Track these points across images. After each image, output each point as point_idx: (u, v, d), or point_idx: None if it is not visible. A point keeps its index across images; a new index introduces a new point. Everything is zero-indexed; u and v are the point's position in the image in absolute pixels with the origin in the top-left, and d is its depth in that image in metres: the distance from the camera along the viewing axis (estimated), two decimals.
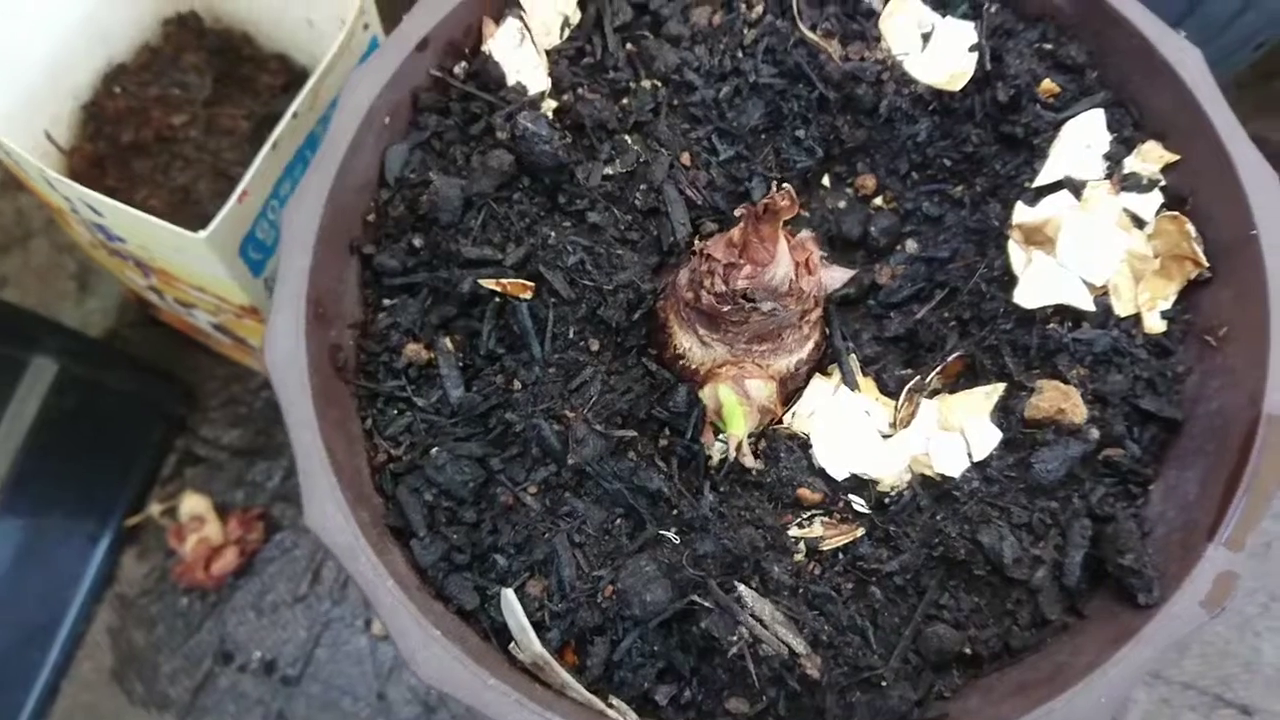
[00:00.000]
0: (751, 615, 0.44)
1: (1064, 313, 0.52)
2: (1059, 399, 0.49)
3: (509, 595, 0.45)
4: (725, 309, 0.47)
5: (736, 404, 0.47)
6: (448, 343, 0.51)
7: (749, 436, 0.48)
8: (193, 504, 0.80)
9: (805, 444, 0.51)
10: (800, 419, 0.52)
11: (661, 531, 0.47)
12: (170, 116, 0.72)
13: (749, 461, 0.46)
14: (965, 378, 0.53)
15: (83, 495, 0.80)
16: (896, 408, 0.52)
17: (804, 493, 0.50)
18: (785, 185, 0.44)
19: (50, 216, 0.93)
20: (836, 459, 0.51)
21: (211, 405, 0.85)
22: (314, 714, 0.78)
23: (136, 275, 0.71)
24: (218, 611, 0.80)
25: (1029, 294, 0.51)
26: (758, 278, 0.46)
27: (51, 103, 0.69)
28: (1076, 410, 0.49)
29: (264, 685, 0.78)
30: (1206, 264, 0.51)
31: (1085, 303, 0.51)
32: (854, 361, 0.53)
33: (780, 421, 0.52)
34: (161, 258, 0.63)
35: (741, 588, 0.45)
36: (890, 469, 0.50)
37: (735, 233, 0.47)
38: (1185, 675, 0.82)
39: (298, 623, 0.80)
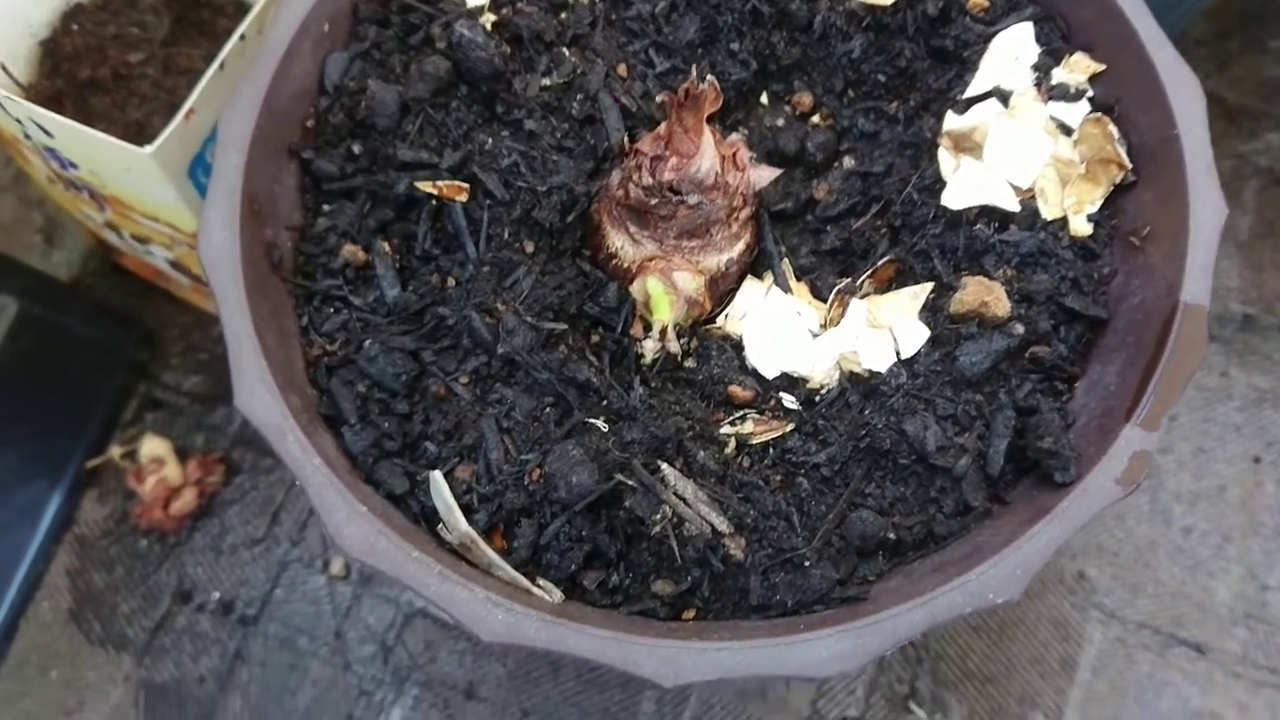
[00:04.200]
0: (674, 494, 0.45)
1: (991, 215, 0.53)
2: (982, 292, 0.50)
3: (436, 476, 0.46)
4: (653, 202, 0.48)
5: (663, 293, 0.48)
6: (385, 245, 0.52)
7: (676, 327, 0.49)
8: (152, 446, 0.80)
9: (737, 344, 0.52)
10: (732, 320, 0.53)
11: (589, 419, 0.47)
12: (127, 54, 0.73)
13: (674, 348, 0.47)
14: (896, 282, 0.54)
15: (42, 438, 0.80)
16: (827, 309, 0.53)
17: (735, 390, 0.50)
18: (709, 76, 0.45)
19: (18, 171, 0.94)
20: (767, 358, 0.51)
21: (173, 351, 0.86)
22: (271, 653, 0.78)
23: (92, 210, 0.72)
24: (176, 553, 0.80)
25: (956, 196, 0.52)
26: (683, 170, 0.47)
27: (8, 39, 0.70)
28: (999, 303, 0.50)
29: (222, 625, 0.79)
30: (1130, 166, 0.52)
31: (1011, 203, 0.52)
32: (786, 265, 0.54)
33: (712, 321, 0.52)
34: (113, 184, 0.64)
35: (665, 467, 0.45)
36: (820, 367, 0.51)
37: (662, 127, 0.48)
38: (1139, 615, 0.83)
39: (256, 564, 0.80)
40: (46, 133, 0.60)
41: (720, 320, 0.53)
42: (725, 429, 0.50)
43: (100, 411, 0.83)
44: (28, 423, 0.79)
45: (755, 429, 0.50)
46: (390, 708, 0.77)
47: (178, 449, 0.82)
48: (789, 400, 0.51)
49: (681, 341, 0.49)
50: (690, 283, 0.49)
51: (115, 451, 0.82)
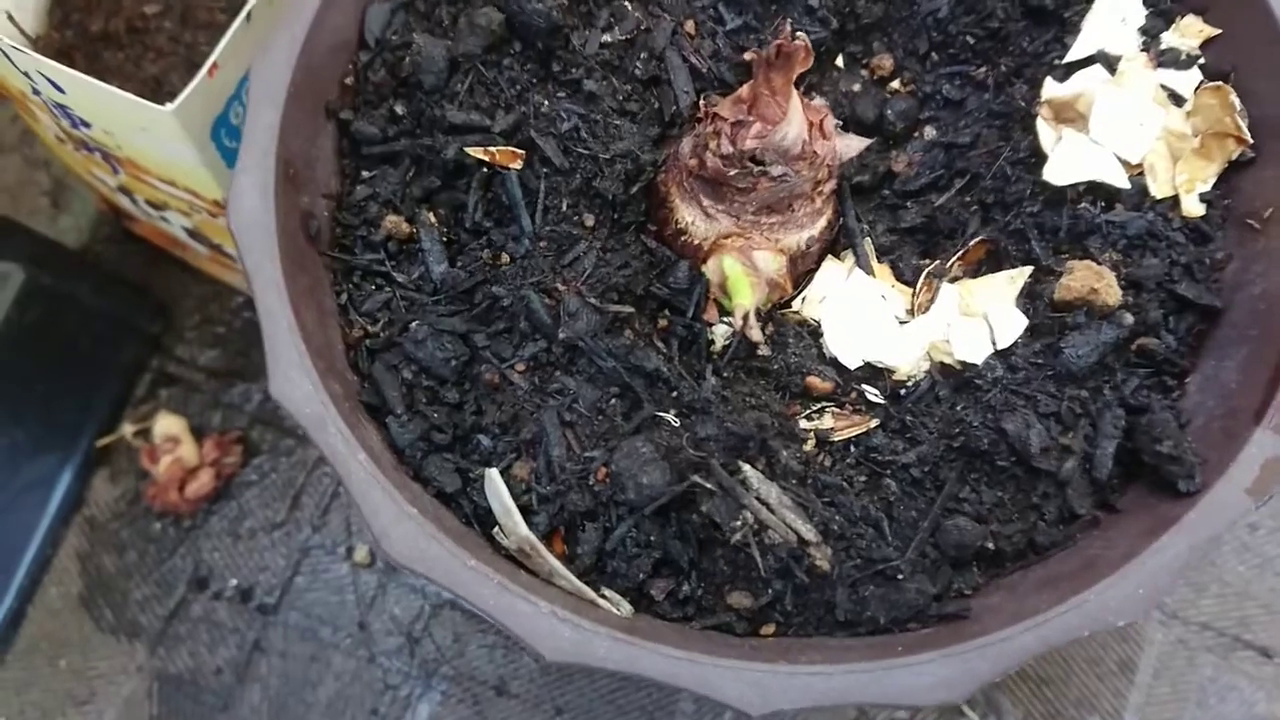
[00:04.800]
0: (757, 499, 0.41)
1: (1096, 192, 0.48)
2: (1092, 279, 0.45)
3: (493, 474, 0.41)
4: (732, 173, 0.44)
5: (743, 275, 0.44)
6: (430, 216, 0.47)
7: (757, 313, 0.44)
8: (167, 424, 0.76)
9: (815, 331, 0.48)
10: (810, 304, 0.48)
11: (659, 413, 0.43)
12: (143, 5, 0.67)
13: (756, 335, 0.42)
14: (988, 264, 0.49)
15: (51, 414, 0.76)
16: (914, 293, 0.48)
17: (813, 381, 0.46)
18: (799, 33, 0.41)
19: (25, 130, 0.89)
20: (849, 346, 0.47)
21: (188, 324, 0.81)
22: (291, 644, 0.74)
23: (105, 173, 0.67)
24: (192, 537, 0.76)
25: (1059, 170, 0.48)
26: (768, 137, 0.43)
27: None
28: (1110, 291, 0.45)
29: (240, 614, 0.75)
30: (1250, 140, 0.47)
31: (1120, 180, 0.47)
32: (869, 244, 0.49)
33: (789, 305, 0.48)
34: (128, 144, 0.59)
35: (747, 468, 0.41)
36: (907, 357, 0.47)
37: (744, 89, 0.43)
38: (1203, 615, 0.79)
39: (276, 550, 0.76)
40: (57, 88, 0.56)
41: (797, 304, 0.48)
42: (803, 423, 0.45)
43: (112, 386, 0.78)
44: (35, 398, 0.74)
45: (836, 424, 0.45)
46: (417, 703, 0.73)
47: (193, 428, 0.78)
48: (872, 393, 0.46)
49: (760, 327, 0.44)
50: (771, 262, 0.44)
51: (127, 429, 0.77)
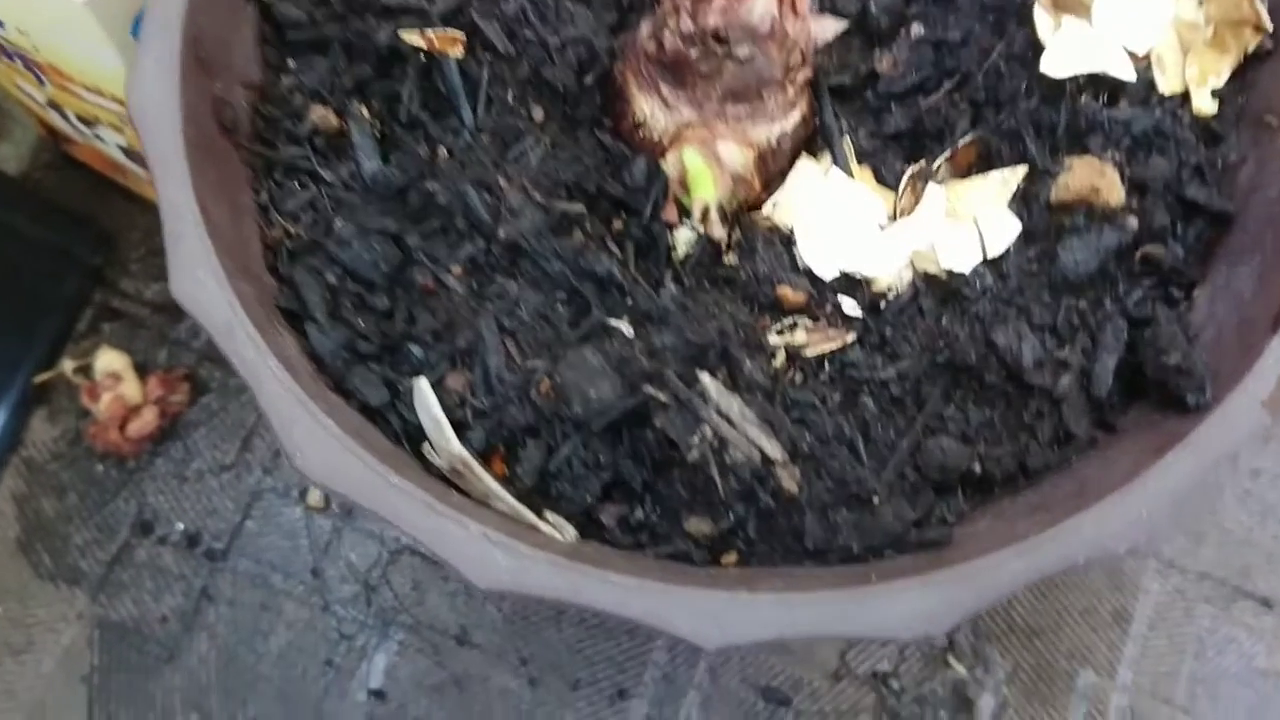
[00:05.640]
0: (717, 411, 0.36)
1: (1098, 85, 0.44)
2: (1093, 176, 0.41)
3: (422, 384, 0.37)
4: (693, 55, 0.39)
5: (704, 167, 0.39)
6: (362, 109, 0.43)
7: (720, 209, 0.40)
8: (108, 360, 0.72)
9: (787, 238, 0.43)
10: (782, 209, 0.44)
11: (611, 320, 0.39)
12: None
13: (717, 233, 0.38)
14: (978, 168, 0.45)
15: None
16: (897, 197, 0.44)
17: (785, 292, 0.42)
18: None
19: None
20: (824, 255, 0.43)
21: (132, 257, 0.77)
22: (241, 591, 0.70)
23: (31, 86, 0.63)
24: (136, 479, 0.72)
25: (1058, 61, 0.43)
26: (733, 12, 0.38)
27: None
28: (1113, 190, 0.41)
29: (186, 559, 0.71)
30: (1270, 28, 0.43)
31: (1125, 72, 0.43)
32: (848, 143, 0.45)
33: (758, 208, 0.43)
34: (45, 46, 0.54)
35: (705, 379, 0.37)
36: (888, 266, 0.42)
37: None
38: (1202, 565, 0.75)
39: (225, 493, 0.72)
40: None
41: (768, 209, 0.44)
42: (773, 338, 0.41)
43: (51, 321, 0.74)
44: None
45: (809, 339, 0.41)
46: (374, 653, 0.69)
47: (138, 365, 0.73)
48: (850, 306, 0.42)
49: (724, 229, 0.40)
50: (736, 156, 0.40)
51: (67, 365, 0.73)
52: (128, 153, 0.66)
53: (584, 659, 0.70)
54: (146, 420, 0.70)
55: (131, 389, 0.71)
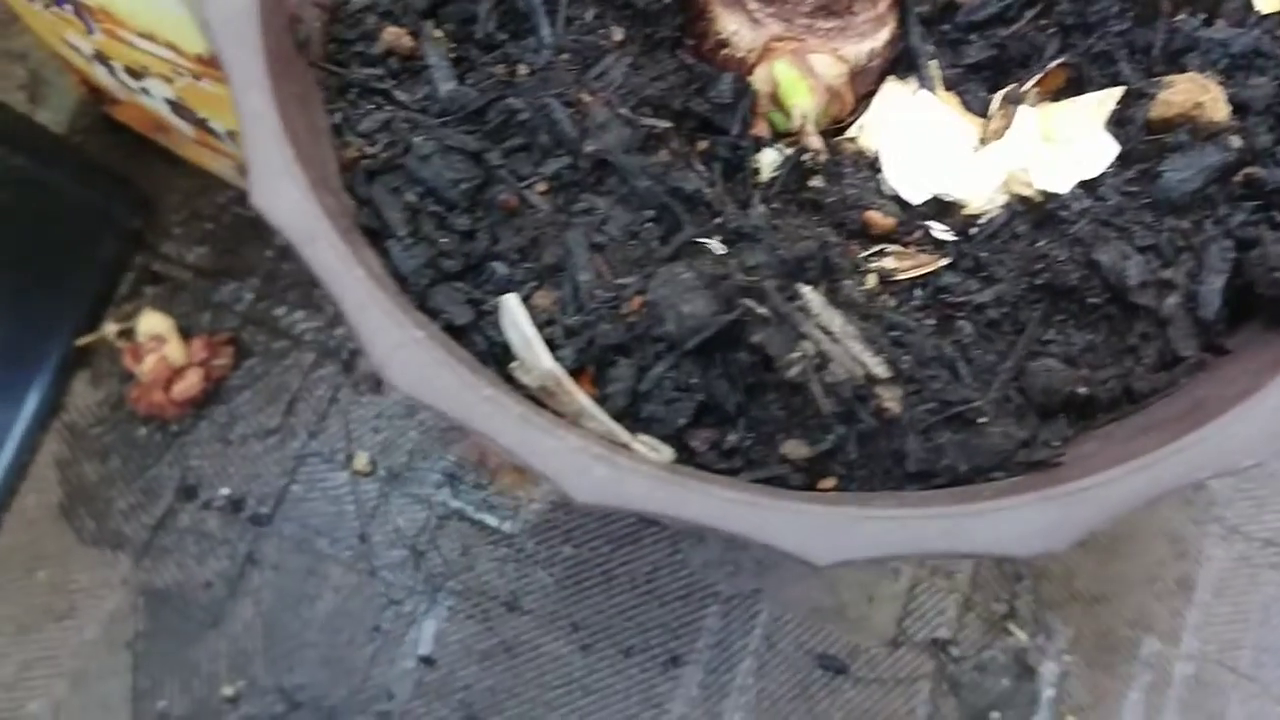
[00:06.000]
0: (818, 326, 0.35)
1: (1195, 4, 0.42)
2: (1196, 91, 0.39)
3: (510, 301, 0.36)
4: None
5: (799, 78, 0.38)
6: (436, 30, 0.41)
7: (814, 124, 0.38)
8: (152, 322, 0.70)
9: (874, 163, 0.42)
10: (868, 132, 0.42)
11: (702, 238, 0.37)
12: None
13: (815, 143, 0.37)
14: (1068, 92, 0.44)
15: (27, 311, 0.70)
16: (987, 121, 0.42)
17: (873, 216, 0.40)
18: None
19: None
20: (914, 179, 0.41)
21: (174, 220, 0.76)
22: (286, 556, 0.69)
23: (79, 35, 0.62)
24: (179, 443, 0.71)
25: None
26: None
27: None
28: (1217, 106, 0.39)
29: (231, 524, 0.69)
30: None
31: None
32: (935, 66, 0.43)
33: (844, 131, 0.42)
34: None
35: (807, 291, 0.35)
36: (980, 189, 0.41)
37: None
38: (1266, 531, 0.73)
39: (269, 457, 0.71)
40: None
41: (854, 131, 0.42)
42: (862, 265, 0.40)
43: (93, 284, 0.73)
44: (8, 293, 0.69)
45: (900, 264, 0.40)
46: (422, 619, 0.68)
47: (181, 328, 0.72)
48: (940, 230, 0.41)
49: (821, 142, 0.39)
50: (831, 68, 0.39)
51: (110, 328, 0.72)
52: (175, 106, 0.65)
53: (636, 625, 0.69)
54: (191, 383, 0.69)
55: (176, 351, 0.70)
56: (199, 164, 0.75)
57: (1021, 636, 0.70)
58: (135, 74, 0.63)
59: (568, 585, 0.69)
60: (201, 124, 0.67)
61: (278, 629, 0.68)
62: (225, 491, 0.70)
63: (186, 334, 0.72)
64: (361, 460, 0.70)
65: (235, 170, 0.73)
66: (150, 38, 0.57)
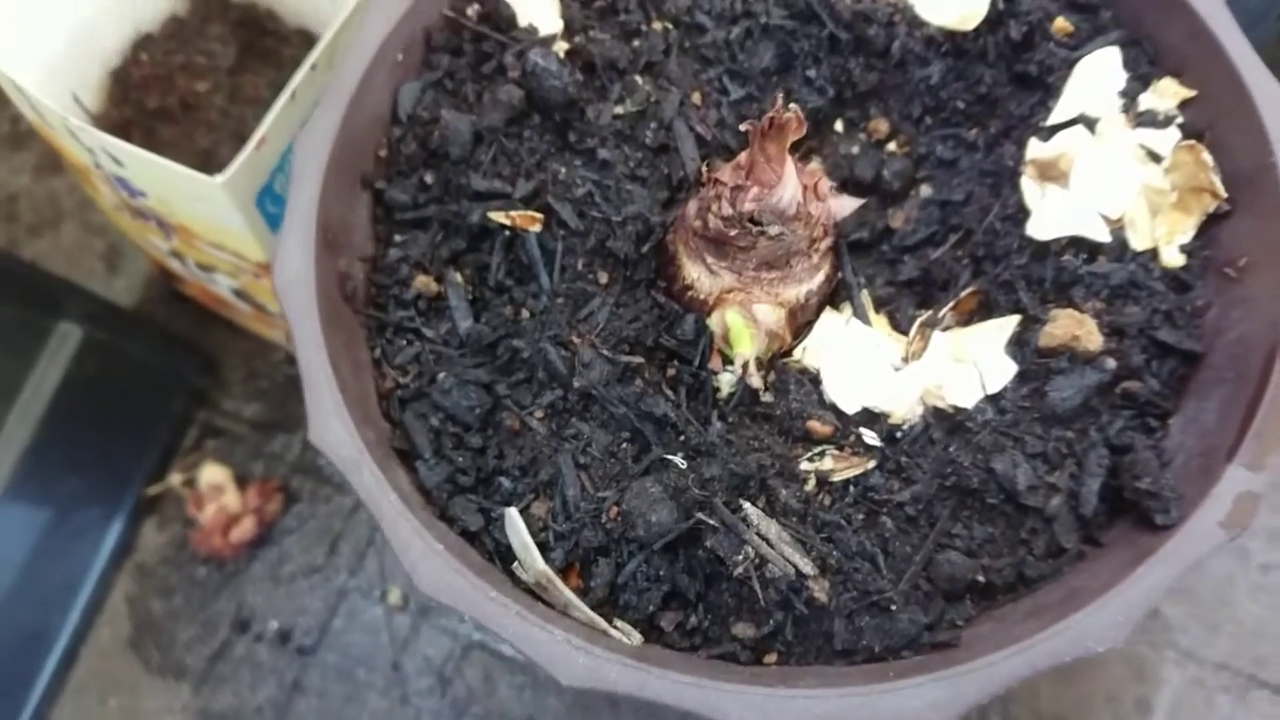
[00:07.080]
0: (757, 534, 0.44)
1: (1079, 245, 0.51)
2: (1073, 326, 0.48)
3: (512, 513, 0.45)
4: (733, 233, 0.47)
5: (744, 326, 0.47)
6: (457, 276, 0.51)
7: (757, 361, 0.47)
8: (212, 473, 0.80)
9: (815, 378, 0.51)
10: (810, 353, 0.51)
11: (667, 455, 0.46)
12: (195, 83, 0.73)
13: (756, 382, 0.46)
14: (980, 315, 0.52)
15: (104, 463, 0.80)
16: (908, 342, 0.51)
17: (814, 425, 0.49)
18: (792, 104, 0.44)
19: (82, 198, 0.95)
20: (847, 392, 0.50)
21: (233, 379, 0.86)
22: (329, 684, 0.78)
23: (158, 238, 0.72)
24: (235, 581, 0.80)
25: (1042, 226, 0.51)
26: (764, 200, 0.46)
27: (80, 68, 0.71)
28: (1091, 337, 0.48)
29: (279, 654, 0.78)
30: (1225, 195, 0.50)
31: (1100, 234, 0.50)
32: (865, 296, 0.53)
33: (790, 354, 0.51)
34: (181, 211, 0.64)
35: (748, 506, 0.44)
36: (902, 402, 0.50)
37: (742, 156, 0.47)
38: (1219, 655, 0.80)
39: (314, 593, 0.80)
40: (117, 162, 0.61)
41: (798, 353, 0.51)
42: (804, 465, 0.48)
43: (160, 438, 0.83)
44: (91, 448, 0.79)
45: (836, 465, 0.48)
46: None
47: (237, 476, 0.82)
48: (870, 436, 0.49)
49: (760, 375, 0.48)
50: (770, 315, 0.48)
51: (175, 478, 0.82)
52: (238, 293, 0.76)
53: None
54: (246, 528, 0.79)
55: (232, 499, 0.79)
56: (255, 331, 0.86)
57: None
58: (205, 268, 0.74)
59: (577, 709, 0.77)
60: (259, 306, 0.77)
61: None
62: (275, 625, 0.79)
63: (242, 482, 0.82)
64: (395, 595, 0.79)
65: (285, 337, 0.84)
66: (220, 247, 0.68)
